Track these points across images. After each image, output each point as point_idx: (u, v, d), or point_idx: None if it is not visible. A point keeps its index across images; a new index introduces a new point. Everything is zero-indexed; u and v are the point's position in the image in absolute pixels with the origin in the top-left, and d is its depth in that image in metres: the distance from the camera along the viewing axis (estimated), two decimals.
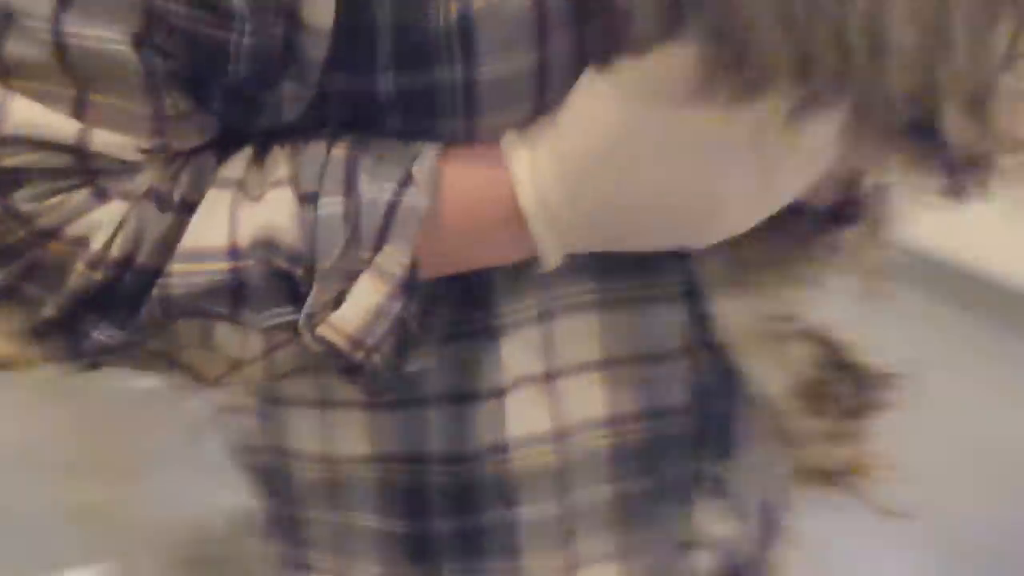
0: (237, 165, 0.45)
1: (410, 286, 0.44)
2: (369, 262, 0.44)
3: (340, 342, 0.44)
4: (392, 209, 0.44)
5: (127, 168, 0.44)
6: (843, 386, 0.56)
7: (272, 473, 0.57)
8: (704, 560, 0.58)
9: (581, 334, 0.51)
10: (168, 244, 0.44)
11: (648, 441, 0.54)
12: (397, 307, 0.44)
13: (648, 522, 0.55)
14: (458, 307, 0.50)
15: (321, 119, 0.46)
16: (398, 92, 0.44)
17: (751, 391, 0.55)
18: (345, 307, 0.44)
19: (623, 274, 0.51)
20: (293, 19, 0.42)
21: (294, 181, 0.44)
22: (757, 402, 0.56)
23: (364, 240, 0.44)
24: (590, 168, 0.44)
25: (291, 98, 0.45)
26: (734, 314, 0.53)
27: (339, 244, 0.43)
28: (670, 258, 0.51)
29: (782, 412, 0.56)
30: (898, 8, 0.34)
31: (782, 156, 0.43)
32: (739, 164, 0.43)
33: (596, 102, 0.43)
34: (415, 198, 0.44)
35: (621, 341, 0.52)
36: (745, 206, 0.45)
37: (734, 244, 0.48)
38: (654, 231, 0.46)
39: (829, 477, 0.59)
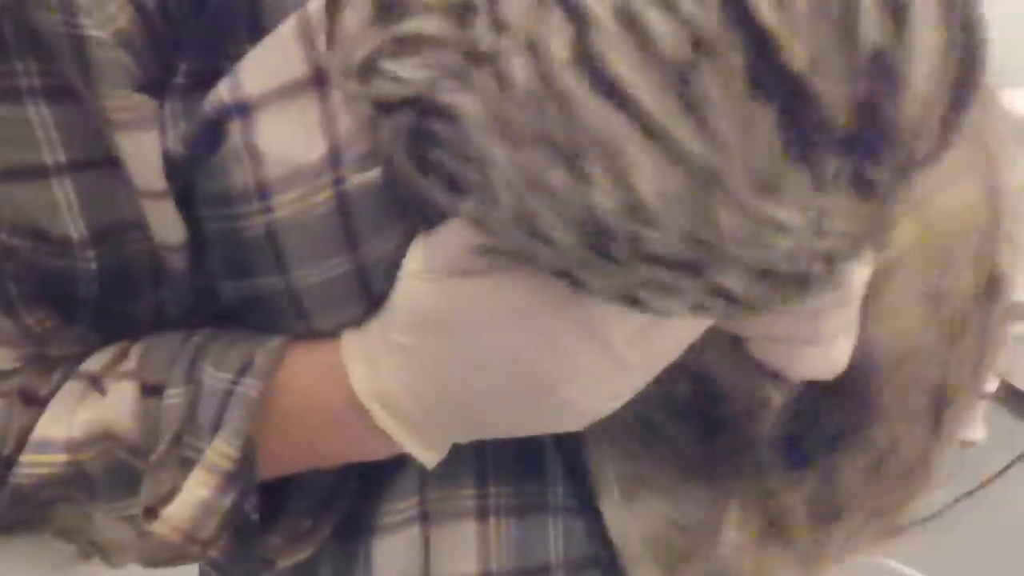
0: (99, 359, 0.47)
1: (243, 478, 0.43)
2: (201, 453, 0.43)
3: (173, 536, 0.44)
4: (227, 397, 0.44)
5: (7, 374, 0.47)
6: None
7: None
8: None
9: (458, 542, 0.49)
10: (24, 436, 0.46)
11: None
12: (228, 500, 0.43)
13: None
14: (347, 502, 0.49)
15: (197, 317, 0.47)
16: (237, 298, 0.45)
17: None
18: (176, 501, 0.43)
19: (507, 480, 0.49)
20: (146, 237, 0.43)
21: (140, 373, 0.45)
22: None
23: (200, 430, 0.44)
24: (418, 354, 0.42)
25: (170, 302, 0.47)
26: (630, 526, 0.49)
27: (171, 434, 0.44)
28: (559, 462, 0.49)
29: None
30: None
31: (627, 325, 0.38)
32: (569, 328, 0.38)
33: (410, 285, 0.42)
34: (248, 387, 0.43)
35: (500, 553, 0.49)
36: (597, 378, 0.40)
37: (636, 444, 0.47)
38: (508, 415, 0.43)
39: None
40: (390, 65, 0.35)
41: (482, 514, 0.49)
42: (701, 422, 0.48)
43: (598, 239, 0.31)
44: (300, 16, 0.40)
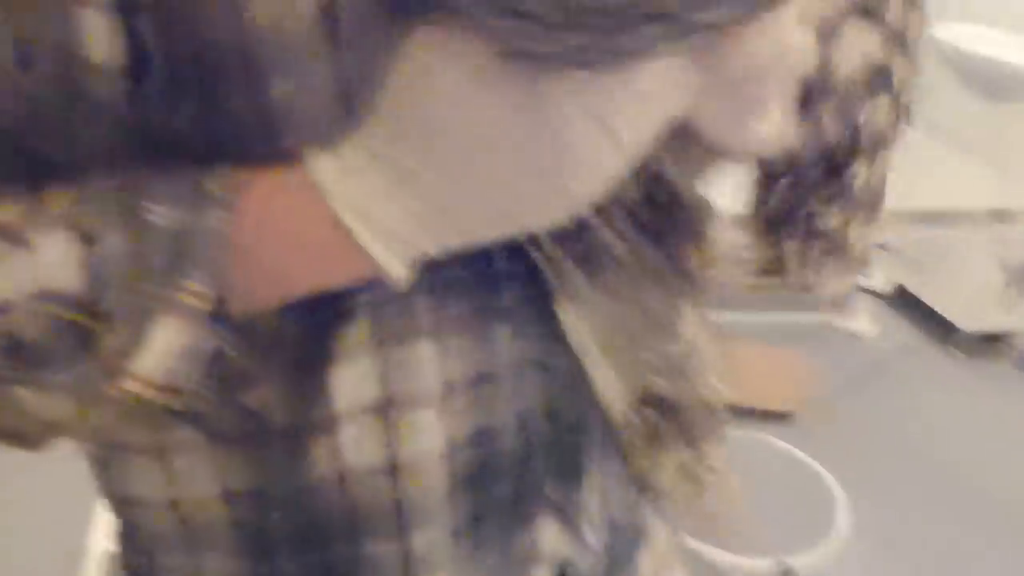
0: (8, 207, 0.40)
1: (220, 319, 0.40)
2: (166, 299, 0.39)
3: (149, 392, 0.40)
4: (185, 236, 0.39)
5: None
6: (656, 406, 0.55)
7: (120, 521, 0.56)
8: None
9: (418, 361, 0.48)
10: None
11: (482, 463, 0.52)
12: (206, 344, 0.40)
13: (485, 543, 0.54)
14: (295, 335, 0.46)
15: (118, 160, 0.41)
16: (183, 126, 0.41)
17: (600, 404, 0.54)
18: (146, 352, 0.39)
19: (460, 293, 0.49)
20: (73, 58, 0.38)
21: (71, 221, 0.39)
22: (605, 416, 0.55)
23: (156, 274, 0.39)
24: (414, 163, 0.39)
25: (84, 139, 0.41)
26: (584, 324, 0.51)
27: (127, 283, 0.39)
28: (511, 273, 0.49)
29: (625, 426, 0.55)
30: None
31: (617, 99, 0.39)
32: (568, 109, 0.38)
33: (405, 90, 0.39)
34: (212, 221, 0.39)
35: (457, 366, 0.50)
36: (591, 159, 0.39)
37: (585, 251, 0.48)
38: (499, 212, 0.41)
39: (666, 493, 0.58)
40: None
41: (438, 331, 0.48)
42: (651, 226, 0.48)
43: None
44: None
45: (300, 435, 0.48)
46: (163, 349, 0.39)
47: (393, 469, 0.49)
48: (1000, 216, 2.64)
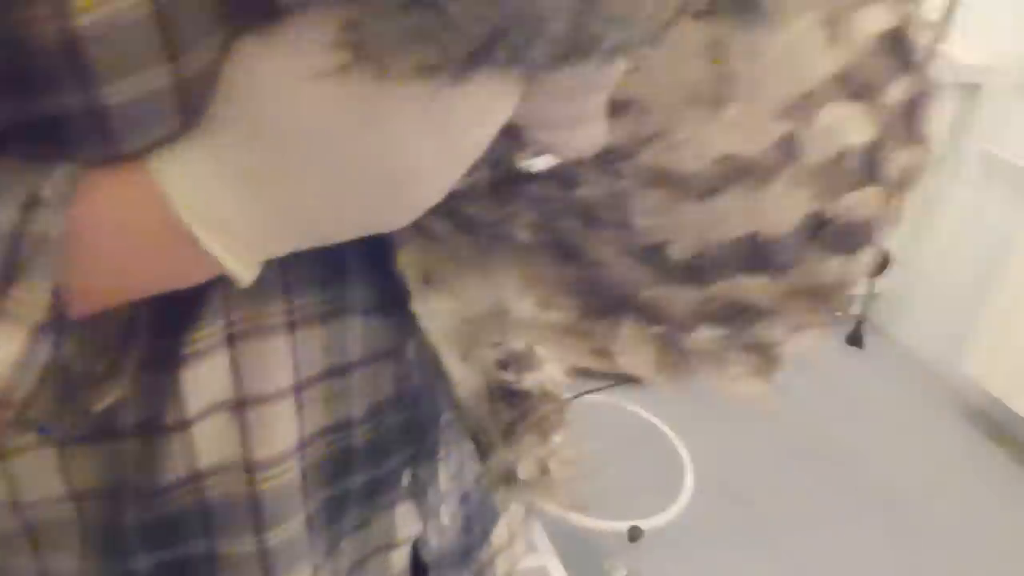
0: None
1: (57, 327, 0.38)
2: None
3: None
4: (16, 240, 0.37)
5: None
6: (505, 400, 0.56)
7: None
8: (397, 559, 0.58)
9: (270, 358, 0.48)
10: None
11: (337, 456, 0.53)
12: (42, 353, 0.38)
13: (343, 534, 0.55)
14: (147, 335, 0.45)
15: None
16: (16, 124, 0.38)
17: (453, 393, 0.55)
18: None
19: (311, 289, 0.48)
20: None
21: None
22: (457, 404, 0.55)
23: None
24: (260, 169, 0.38)
25: None
26: (434, 317, 0.51)
27: None
28: (362, 267, 0.50)
29: (475, 414, 0.56)
30: None
31: (456, 110, 0.39)
32: (413, 125, 0.38)
33: (251, 94, 0.37)
34: (46, 223, 0.37)
35: (311, 361, 0.50)
36: (430, 167, 0.40)
37: (431, 244, 0.49)
38: (349, 219, 0.41)
39: (516, 481, 0.58)
40: None
41: (290, 326, 0.48)
42: (465, 219, 0.48)
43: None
44: None
45: (152, 434, 0.47)
46: None
47: (248, 466, 0.49)
48: None
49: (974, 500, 2.40)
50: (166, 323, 0.45)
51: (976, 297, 2.70)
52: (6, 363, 0.37)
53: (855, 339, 2.27)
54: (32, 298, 0.37)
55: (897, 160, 0.48)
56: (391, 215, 0.42)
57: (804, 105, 0.45)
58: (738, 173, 0.46)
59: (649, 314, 0.50)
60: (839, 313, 0.53)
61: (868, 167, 0.47)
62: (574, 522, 1.95)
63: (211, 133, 0.38)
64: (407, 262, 0.50)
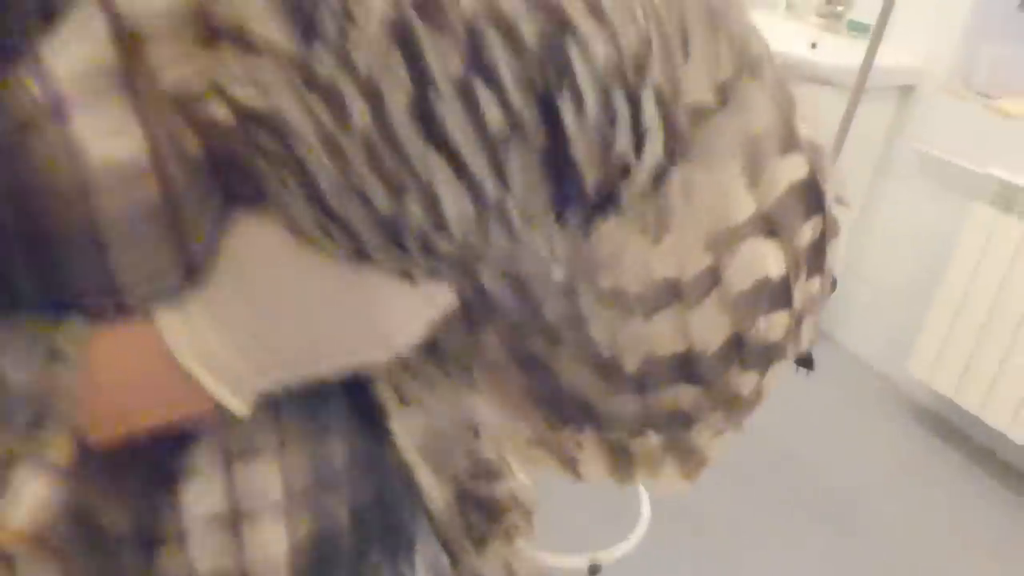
0: None
1: (79, 470, 0.43)
2: (24, 452, 0.42)
3: (12, 540, 0.43)
4: (42, 392, 0.42)
5: None
6: (476, 508, 0.60)
7: None
8: None
9: (261, 475, 0.53)
10: None
11: (322, 559, 0.57)
12: (64, 494, 0.43)
13: None
14: (145, 457, 0.50)
15: None
16: (35, 289, 0.43)
17: (425, 504, 0.59)
18: (10, 504, 0.42)
19: (299, 413, 0.53)
20: None
21: None
22: (430, 515, 0.59)
23: (16, 428, 0.42)
24: (251, 322, 0.44)
25: None
26: (407, 433, 0.56)
27: None
28: (343, 390, 0.54)
29: (446, 525, 0.59)
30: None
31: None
32: (386, 283, 0.44)
33: (244, 260, 0.44)
34: (67, 376, 0.43)
35: (298, 476, 0.54)
36: (408, 315, 0.46)
37: (405, 370, 0.53)
38: (327, 360, 0.47)
39: None
40: (222, 81, 0.37)
41: (280, 446, 0.53)
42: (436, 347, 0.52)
43: (396, 238, 0.38)
44: (106, 7, 0.40)
45: (150, 546, 0.51)
46: (27, 503, 0.42)
47: (242, 573, 0.54)
48: None
49: (929, 501, 2.42)
50: (164, 446, 0.50)
51: (919, 297, 2.74)
52: (36, 504, 0.42)
53: (806, 361, 2.29)
54: (57, 443, 0.43)
55: (805, 289, 0.54)
56: (369, 356, 0.48)
57: (728, 239, 0.50)
58: (673, 296, 0.51)
59: (605, 422, 0.55)
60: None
61: (781, 296, 0.52)
62: (537, 559, 1.92)
63: (212, 292, 0.44)
64: (383, 387, 0.55)
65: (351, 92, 0.35)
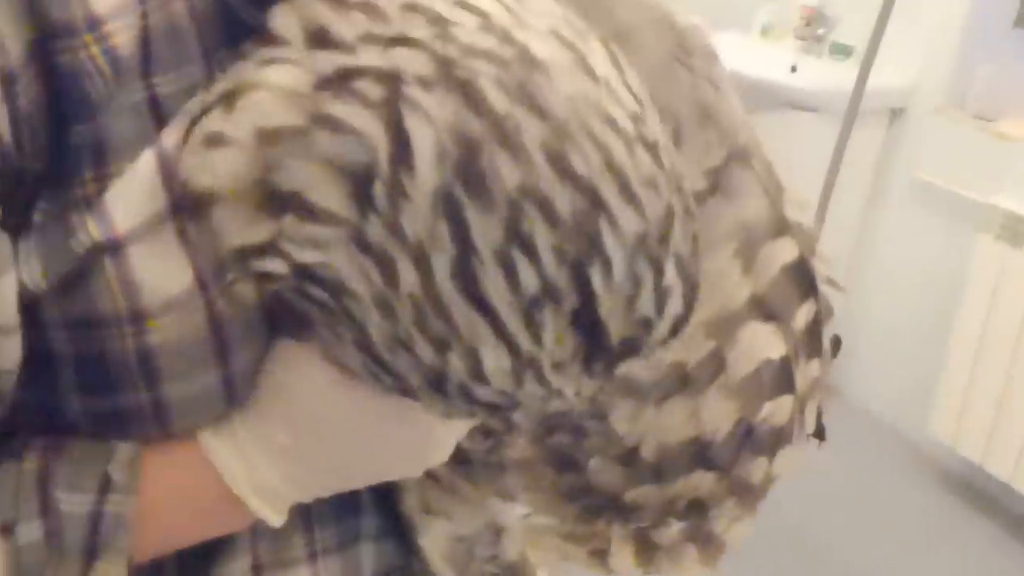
0: None
1: None
2: None
3: None
4: (95, 520, 0.46)
5: None
6: None
7: None
8: None
9: None
10: None
11: None
12: None
13: None
14: (177, 570, 0.54)
15: (16, 431, 0.48)
16: (84, 412, 0.47)
17: None
18: None
19: (330, 523, 0.57)
20: None
21: None
22: None
23: (72, 558, 0.45)
24: (295, 448, 0.48)
25: None
26: (433, 541, 0.60)
27: (44, 570, 0.45)
28: (371, 502, 0.59)
29: None
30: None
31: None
32: (407, 427, 0.49)
33: (291, 391, 0.48)
34: (119, 506, 0.46)
35: None
36: (447, 450, 0.52)
37: (430, 481, 0.58)
38: (372, 478, 0.53)
39: None
40: (280, 241, 0.41)
41: (312, 557, 0.57)
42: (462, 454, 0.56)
43: (439, 385, 0.42)
44: (158, 152, 0.44)
45: None
46: None
47: None
48: None
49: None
50: (200, 559, 0.53)
51: (930, 343, 2.54)
52: None
53: (817, 432, 2.13)
54: (112, 571, 0.46)
55: (805, 372, 0.58)
56: (402, 473, 0.54)
57: (728, 324, 0.55)
58: (681, 383, 0.54)
59: (630, 513, 0.58)
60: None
61: (783, 379, 0.57)
62: None
63: (258, 419, 0.49)
64: (409, 496, 0.59)
65: (400, 257, 0.39)
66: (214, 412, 0.48)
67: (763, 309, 0.55)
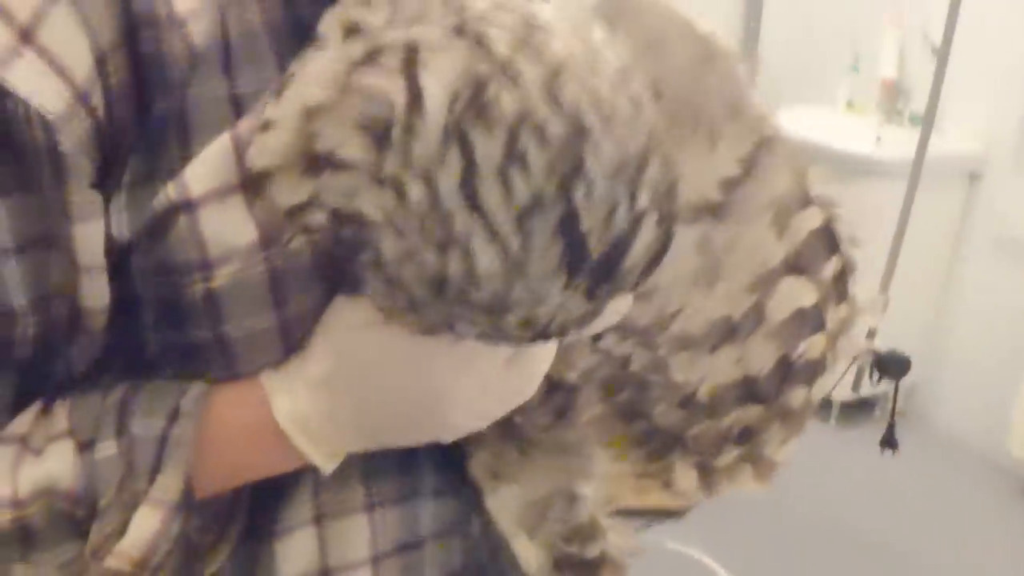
0: (23, 421, 0.54)
1: (186, 507, 0.52)
2: (145, 493, 0.52)
3: (126, 567, 0.52)
4: (162, 442, 0.52)
5: None
6: (571, 571, 0.65)
7: None
8: None
9: (351, 534, 0.60)
10: None
11: None
12: (175, 528, 0.52)
13: None
14: (247, 512, 0.58)
15: (105, 369, 0.56)
16: (161, 349, 0.55)
17: (518, 568, 0.64)
18: (127, 536, 0.51)
19: (388, 477, 0.61)
20: (74, 306, 0.53)
21: (73, 432, 0.53)
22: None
23: (139, 474, 0.52)
24: (334, 387, 0.53)
25: (79, 357, 0.55)
26: (502, 505, 0.62)
27: (115, 482, 0.52)
28: (433, 456, 0.62)
29: None
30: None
31: (495, 368, 0.54)
32: (447, 365, 0.53)
33: (331, 335, 0.53)
34: (182, 430, 0.52)
35: (387, 536, 0.61)
36: (468, 407, 0.55)
37: (498, 449, 0.61)
38: (401, 431, 0.56)
39: None
40: (318, 197, 0.46)
41: (369, 507, 0.61)
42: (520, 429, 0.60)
43: (440, 290, 0.46)
44: (233, 135, 0.52)
45: None
46: (142, 534, 0.52)
47: None
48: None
49: None
50: (264, 502, 0.58)
51: (1010, 372, 2.71)
52: (149, 535, 0.52)
53: (890, 442, 2.32)
54: (171, 485, 0.52)
55: (835, 314, 0.65)
56: (433, 433, 0.56)
57: (767, 280, 0.62)
58: (730, 332, 0.61)
59: (692, 447, 0.64)
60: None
61: (815, 321, 0.64)
62: None
63: (307, 362, 0.54)
64: (477, 464, 0.62)
65: (410, 180, 0.44)
66: (272, 353, 0.54)
67: (796, 266, 0.62)
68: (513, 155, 0.44)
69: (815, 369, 0.65)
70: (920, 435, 2.98)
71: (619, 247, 0.46)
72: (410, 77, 0.44)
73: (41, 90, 0.48)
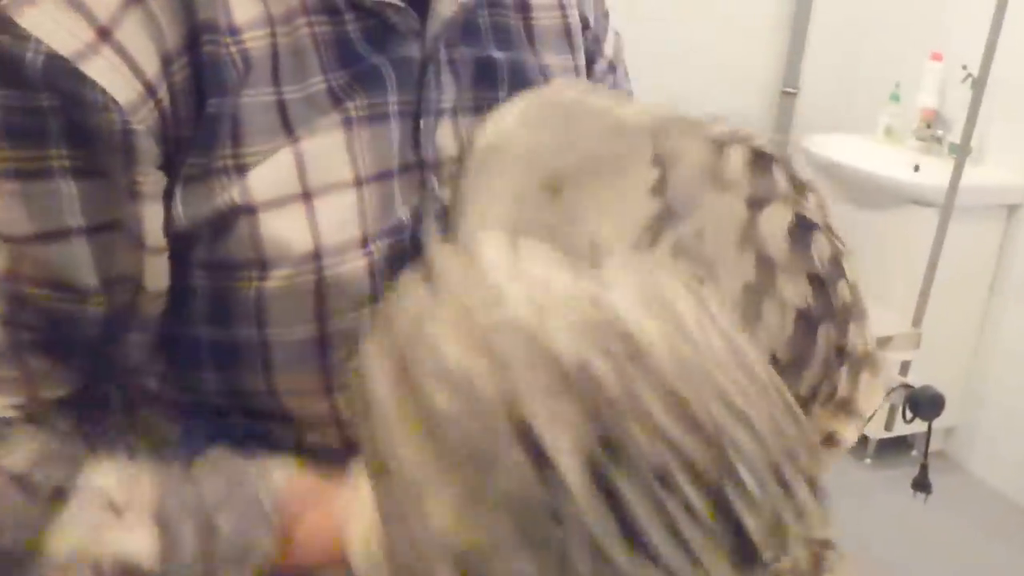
0: (107, 474, 0.55)
1: None
2: None
3: None
4: (245, 545, 0.54)
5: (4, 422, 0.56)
6: None
7: None
8: None
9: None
10: (32, 539, 0.53)
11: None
12: None
13: None
14: None
15: (156, 358, 0.61)
16: (210, 341, 0.59)
17: None
18: None
19: None
20: (138, 286, 0.57)
21: (158, 513, 0.54)
22: None
23: (217, 572, 0.54)
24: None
25: (135, 345, 0.59)
26: None
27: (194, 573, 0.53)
28: None
29: None
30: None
31: None
32: None
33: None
34: (266, 539, 0.54)
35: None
36: None
37: None
38: None
39: None
40: None
41: None
42: None
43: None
44: (296, 153, 0.57)
45: None
46: None
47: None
48: (882, 342, 2.76)
49: None
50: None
51: None
52: None
53: (922, 485, 2.27)
54: None
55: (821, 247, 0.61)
56: None
57: (749, 237, 0.58)
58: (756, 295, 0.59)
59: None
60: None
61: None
62: None
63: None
64: None
65: (576, 543, 0.42)
66: (309, 368, 0.58)
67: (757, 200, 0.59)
68: (669, 489, 0.42)
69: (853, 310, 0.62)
70: (956, 479, 2.94)
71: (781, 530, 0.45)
72: (532, 450, 0.42)
73: (116, 81, 0.52)
